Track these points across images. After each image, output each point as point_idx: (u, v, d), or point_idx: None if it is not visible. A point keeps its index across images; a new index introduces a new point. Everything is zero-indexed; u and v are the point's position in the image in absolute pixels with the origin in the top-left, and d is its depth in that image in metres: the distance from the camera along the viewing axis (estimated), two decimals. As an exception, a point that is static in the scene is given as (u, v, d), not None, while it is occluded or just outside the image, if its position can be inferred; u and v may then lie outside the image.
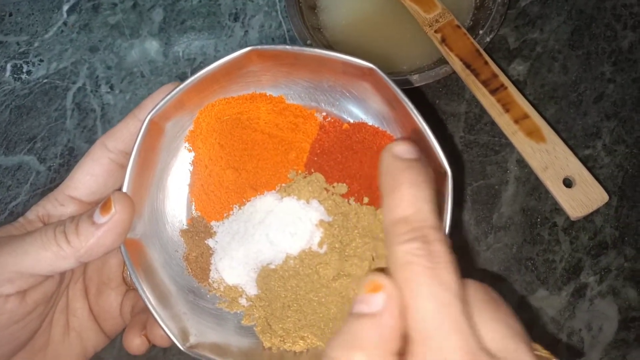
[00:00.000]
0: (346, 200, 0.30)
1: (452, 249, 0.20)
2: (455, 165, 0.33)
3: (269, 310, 0.29)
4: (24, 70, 0.51)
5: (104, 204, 0.27)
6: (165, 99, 0.28)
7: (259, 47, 0.28)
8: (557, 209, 0.43)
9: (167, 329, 0.27)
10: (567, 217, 0.43)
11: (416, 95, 0.44)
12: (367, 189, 0.30)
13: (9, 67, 0.51)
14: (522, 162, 0.44)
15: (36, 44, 0.51)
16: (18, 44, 0.52)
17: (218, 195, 0.31)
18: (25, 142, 0.50)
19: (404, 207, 0.20)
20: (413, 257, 0.19)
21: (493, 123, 0.43)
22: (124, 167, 0.28)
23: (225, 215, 0.31)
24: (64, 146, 0.49)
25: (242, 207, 0.31)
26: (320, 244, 0.29)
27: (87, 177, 0.29)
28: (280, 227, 0.29)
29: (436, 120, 0.45)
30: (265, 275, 0.29)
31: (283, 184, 0.31)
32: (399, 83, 0.27)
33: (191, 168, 0.32)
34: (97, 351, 0.33)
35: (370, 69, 0.27)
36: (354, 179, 0.30)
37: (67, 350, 0.31)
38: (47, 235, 0.26)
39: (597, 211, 0.39)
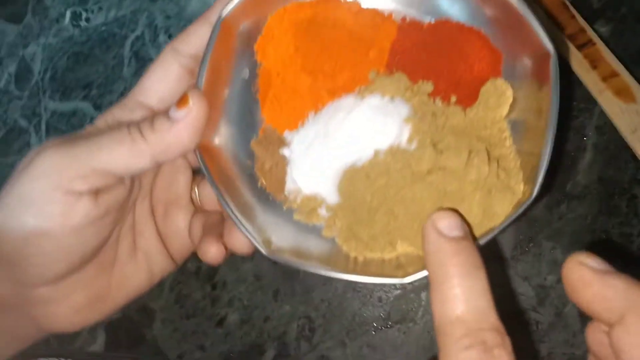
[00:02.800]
0: (432, 99, 0.28)
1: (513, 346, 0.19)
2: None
3: (353, 217, 0.27)
4: (83, 18, 0.51)
5: (180, 99, 0.25)
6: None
7: None
8: (638, 179, 0.40)
9: (249, 235, 0.26)
10: (648, 190, 0.40)
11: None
12: (454, 86, 0.28)
13: (68, 13, 0.51)
14: (601, 129, 0.41)
15: (96, -9, 0.51)
16: (78, -10, 0.51)
17: (292, 104, 0.29)
18: (81, 89, 0.49)
19: (458, 304, 0.19)
20: None
21: (572, 86, 0.40)
22: (194, 74, 0.27)
23: (299, 124, 0.29)
24: (119, 94, 0.49)
25: (318, 112, 0.29)
26: (410, 140, 0.26)
27: (157, 83, 0.28)
28: (367, 120, 0.27)
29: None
30: (350, 177, 0.27)
31: (363, 86, 0.29)
32: None
33: (260, 77, 0.30)
34: (163, 277, 0.32)
35: None
36: (440, 76, 0.28)
37: (134, 271, 0.30)
38: (121, 131, 0.25)
39: (681, 183, 0.36)
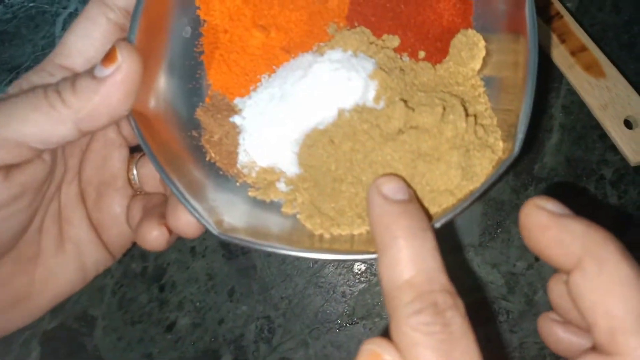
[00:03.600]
0: (399, 55, 0.25)
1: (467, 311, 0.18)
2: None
3: (316, 191, 0.24)
4: (7, -7, 0.45)
5: (107, 54, 0.21)
6: None
7: None
8: (605, 160, 0.39)
9: (196, 213, 0.22)
10: (616, 170, 0.39)
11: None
12: (422, 40, 0.25)
13: (-11, -12, 0.45)
14: (568, 108, 0.40)
15: (22, -37, 0.46)
16: (1, -39, 0.46)
17: (242, 66, 0.26)
18: (7, 73, 0.44)
19: (405, 266, 0.18)
20: (423, 335, 0.16)
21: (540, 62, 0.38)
22: (125, 30, 0.23)
23: (251, 88, 0.26)
24: (51, 77, 0.44)
25: (272, 75, 0.26)
26: (377, 99, 0.24)
27: (82, 41, 0.24)
28: (329, 75, 0.23)
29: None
30: (311, 144, 0.24)
31: (321, 43, 0.26)
32: None
33: (205, 36, 0.27)
34: (98, 272, 0.28)
35: None
36: (407, 28, 0.25)
37: (62, 264, 0.26)
38: (36, 95, 0.21)
39: (648, 163, 0.35)
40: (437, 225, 0.22)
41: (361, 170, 0.23)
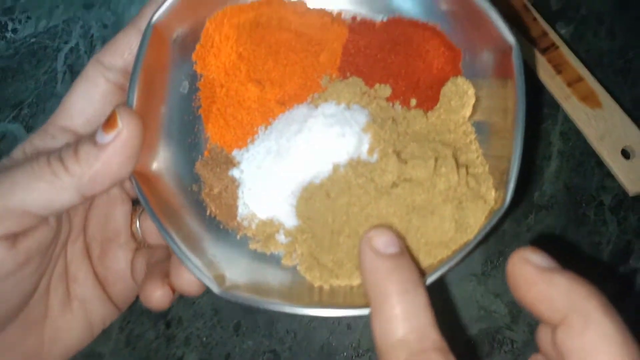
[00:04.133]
0: (391, 104, 0.26)
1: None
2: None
3: (315, 243, 0.25)
4: (9, 28, 0.46)
5: (107, 119, 0.22)
6: (169, 2, 0.24)
7: None
8: (604, 186, 0.39)
9: (199, 272, 0.23)
10: (615, 196, 0.39)
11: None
12: (413, 88, 0.26)
13: (-8, 25, 0.46)
14: (566, 135, 0.40)
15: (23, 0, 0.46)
16: (2, -2, 0.46)
17: (238, 119, 0.26)
18: (11, 109, 0.44)
19: (398, 325, 0.18)
20: None
21: (534, 91, 0.39)
22: (124, 90, 0.24)
23: (249, 140, 0.26)
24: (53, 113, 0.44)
25: (268, 127, 0.26)
26: (371, 151, 0.24)
27: (82, 102, 0.24)
28: (324, 130, 0.24)
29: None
30: (308, 197, 0.24)
31: (315, 94, 0.26)
32: None
33: (202, 91, 0.27)
34: (105, 326, 0.28)
35: None
36: (398, 77, 0.26)
37: (70, 323, 0.27)
38: (39, 164, 0.22)
39: (647, 189, 0.35)
40: (429, 281, 0.22)
41: (358, 224, 0.23)
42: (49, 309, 0.26)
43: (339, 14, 0.27)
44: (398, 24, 0.27)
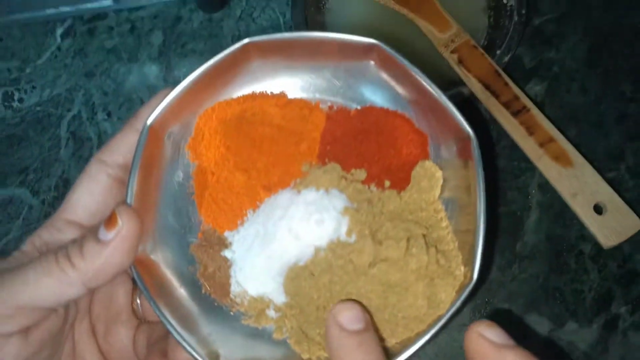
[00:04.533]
0: (367, 186, 0.28)
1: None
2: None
3: (302, 318, 0.26)
4: (16, 98, 0.49)
5: (108, 218, 0.24)
6: (163, 104, 0.26)
7: (255, 38, 0.27)
8: (583, 235, 0.41)
9: (194, 352, 0.24)
10: (594, 244, 0.41)
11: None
12: (386, 171, 0.28)
13: (-1, 94, 0.48)
14: (544, 187, 0.42)
15: (28, 70, 0.49)
16: (9, 70, 0.49)
17: (229, 203, 0.28)
18: (17, 174, 0.47)
19: None
20: None
21: (512, 147, 0.41)
22: (124, 183, 0.26)
23: (239, 222, 0.28)
24: (58, 177, 0.46)
25: (256, 210, 0.28)
26: (349, 233, 0.26)
27: (85, 198, 0.26)
28: (304, 217, 0.26)
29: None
30: (294, 277, 0.26)
31: (297, 179, 0.28)
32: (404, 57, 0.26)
33: (195, 178, 0.29)
34: None
35: (373, 45, 0.26)
36: (372, 162, 0.28)
37: None
38: (47, 261, 0.23)
39: (625, 237, 0.37)
40: (406, 355, 0.23)
41: (340, 300, 0.25)
42: None
43: (317, 103, 0.30)
44: (370, 112, 0.29)
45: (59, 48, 0.49)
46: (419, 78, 0.26)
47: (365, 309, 0.23)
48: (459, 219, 0.27)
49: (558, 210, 0.41)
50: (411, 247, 0.25)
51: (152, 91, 0.47)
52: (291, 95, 0.30)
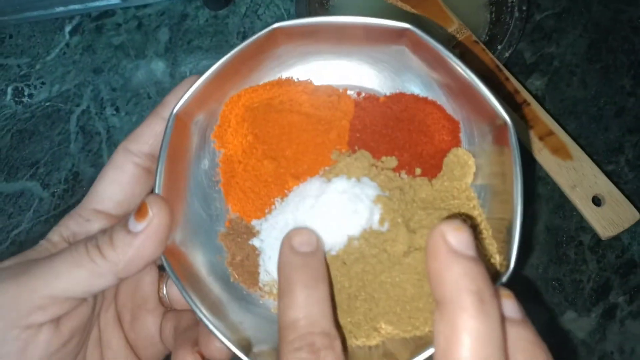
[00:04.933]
0: (397, 174, 0.27)
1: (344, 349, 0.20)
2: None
3: (333, 305, 0.26)
4: (26, 94, 0.50)
5: (139, 209, 0.24)
6: (189, 92, 0.26)
7: (284, 23, 0.26)
8: (583, 226, 0.42)
9: (226, 339, 0.24)
10: (593, 235, 0.41)
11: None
12: (417, 159, 0.28)
13: (9, 90, 0.49)
14: (544, 179, 0.43)
15: (38, 67, 0.50)
16: (19, 66, 0.50)
17: (256, 191, 0.28)
18: (28, 168, 0.48)
19: (294, 311, 0.21)
20: None
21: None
22: (151, 172, 0.26)
23: (266, 211, 0.28)
24: (68, 171, 0.47)
25: (285, 199, 0.28)
26: (382, 222, 0.25)
27: (112, 187, 0.26)
28: (337, 206, 0.26)
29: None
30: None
31: (327, 167, 0.28)
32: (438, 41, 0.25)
33: (222, 167, 0.29)
34: None
35: (406, 29, 0.25)
36: (403, 150, 0.28)
37: None
38: (78, 251, 0.23)
39: (623, 228, 0.38)
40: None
41: (373, 289, 0.25)
42: None
43: (345, 90, 0.29)
44: (400, 99, 0.28)
45: (67, 45, 0.50)
46: (454, 63, 0.25)
47: (318, 236, 0.24)
48: (492, 206, 0.26)
49: (557, 202, 0.42)
50: None
51: (159, 87, 0.48)
52: (319, 81, 0.29)
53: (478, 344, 0.17)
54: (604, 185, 0.36)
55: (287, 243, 0.23)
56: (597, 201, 0.36)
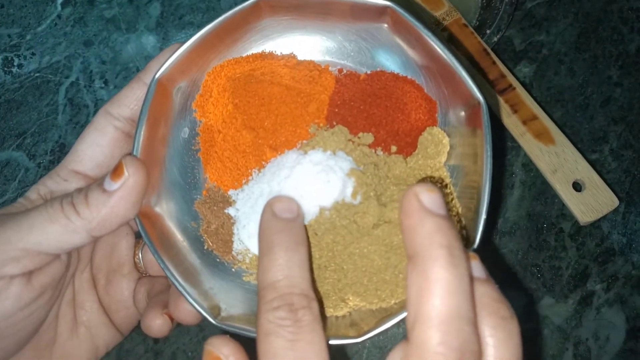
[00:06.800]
0: (373, 150, 0.28)
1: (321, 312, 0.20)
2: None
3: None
4: (15, 64, 0.49)
5: (115, 168, 0.24)
6: (172, 59, 0.26)
7: None
8: (564, 214, 0.42)
9: (196, 304, 0.25)
10: (574, 223, 0.42)
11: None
12: (393, 136, 0.28)
13: (-1, 60, 0.49)
14: (527, 166, 0.43)
15: (28, 37, 0.50)
16: (9, 36, 0.50)
17: (234, 162, 0.28)
18: (15, 138, 0.48)
19: (275, 272, 0.21)
20: (276, 327, 0.19)
21: (499, 127, 0.42)
22: (130, 136, 0.26)
23: (244, 181, 0.28)
24: (54, 142, 0.47)
25: (262, 170, 0.28)
26: (354, 195, 0.26)
27: (92, 149, 0.27)
28: (310, 177, 0.26)
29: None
30: None
31: (304, 141, 0.28)
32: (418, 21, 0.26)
33: (201, 136, 0.29)
34: (108, 349, 0.30)
35: (387, 7, 0.26)
36: (380, 127, 0.28)
37: (76, 347, 0.29)
38: (53, 207, 0.24)
39: (604, 217, 0.38)
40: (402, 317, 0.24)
41: (342, 260, 0.26)
42: (57, 334, 0.28)
43: (327, 66, 0.30)
44: (380, 77, 0.29)
45: (59, 16, 0.50)
46: (432, 42, 0.25)
47: (299, 204, 0.25)
48: (463, 186, 0.27)
49: (540, 189, 0.42)
50: None
51: (149, 61, 0.48)
52: (301, 56, 0.30)
53: (448, 293, 0.17)
54: (584, 171, 0.36)
55: (268, 209, 0.23)
56: (577, 186, 0.37)
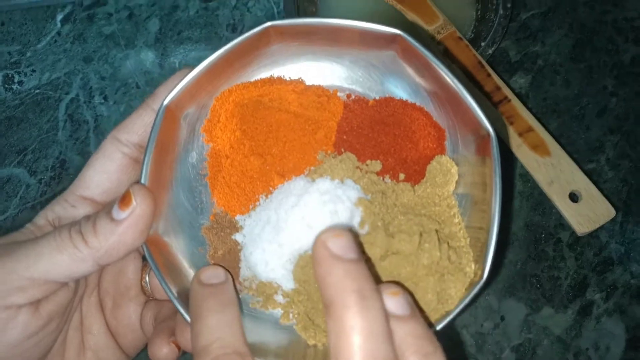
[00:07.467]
0: (381, 178, 0.28)
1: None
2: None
3: (310, 304, 0.26)
4: (16, 81, 0.50)
5: (122, 197, 0.24)
6: (181, 85, 0.26)
7: (277, 22, 0.26)
8: (562, 224, 0.42)
9: None
10: (572, 233, 0.42)
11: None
12: (402, 164, 0.28)
13: (0, 77, 0.50)
14: (525, 177, 0.43)
15: (28, 54, 0.50)
16: (10, 53, 0.50)
17: (242, 187, 0.28)
18: (15, 154, 0.48)
19: (206, 336, 0.22)
20: None
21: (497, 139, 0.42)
22: (138, 162, 0.26)
23: (251, 207, 0.28)
24: (55, 158, 0.48)
25: (269, 196, 0.28)
26: (362, 224, 0.26)
27: (100, 175, 0.27)
28: (318, 207, 0.26)
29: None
30: (304, 265, 0.26)
31: (312, 167, 0.28)
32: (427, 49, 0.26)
33: (209, 161, 0.29)
34: None
35: (397, 35, 0.26)
36: (388, 154, 0.28)
37: None
38: (61, 236, 0.24)
39: (601, 227, 0.38)
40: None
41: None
42: (65, 359, 0.28)
43: (335, 91, 0.30)
44: (388, 103, 0.29)
45: (58, 33, 0.51)
46: (441, 71, 0.25)
47: (225, 270, 0.25)
48: (471, 215, 0.27)
49: (537, 200, 0.43)
50: (424, 242, 0.25)
51: (148, 77, 0.48)
52: (309, 81, 0.30)
53: (364, 338, 0.18)
54: (581, 182, 0.37)
55: (195, 279, 0.24)
56: (573, 197, 0.37)
